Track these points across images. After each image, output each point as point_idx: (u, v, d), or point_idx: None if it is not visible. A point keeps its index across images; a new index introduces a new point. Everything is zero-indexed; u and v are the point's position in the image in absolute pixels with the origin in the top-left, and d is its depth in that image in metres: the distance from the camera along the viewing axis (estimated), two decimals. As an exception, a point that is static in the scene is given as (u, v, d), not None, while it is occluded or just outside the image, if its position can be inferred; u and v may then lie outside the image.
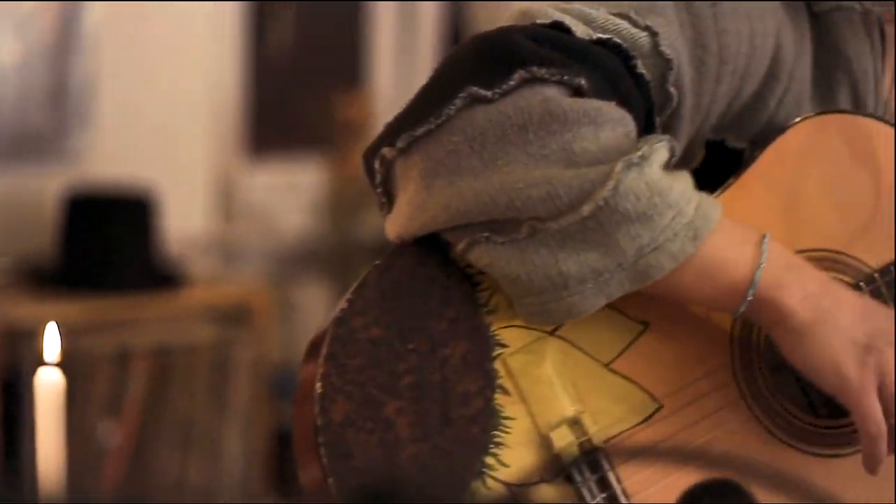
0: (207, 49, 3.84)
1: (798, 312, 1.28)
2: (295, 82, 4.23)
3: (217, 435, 3.43)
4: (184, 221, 3.69)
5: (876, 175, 1.41)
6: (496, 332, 1.30)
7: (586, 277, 1.24)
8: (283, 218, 4.03)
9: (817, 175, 1.40)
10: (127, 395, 3.32)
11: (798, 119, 1.41)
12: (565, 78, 1.25)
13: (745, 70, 1.41)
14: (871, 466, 1.32)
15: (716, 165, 1.41)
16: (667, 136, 1.29)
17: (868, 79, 1.50)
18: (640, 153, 1.23)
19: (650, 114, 1.34)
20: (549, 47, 1.27)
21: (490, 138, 1.24)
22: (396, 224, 1.30)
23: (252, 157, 4.11)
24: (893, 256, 1.40)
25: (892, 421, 1.30)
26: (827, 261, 1.39)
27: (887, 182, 1.41)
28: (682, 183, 1.26)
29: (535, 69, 1.24)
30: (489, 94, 1.24)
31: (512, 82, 1.24)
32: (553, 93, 1.24)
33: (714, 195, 1.35)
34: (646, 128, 1.33)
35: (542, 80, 1.25)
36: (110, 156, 3.58)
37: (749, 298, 1.28)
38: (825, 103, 1.49)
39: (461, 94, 1.24)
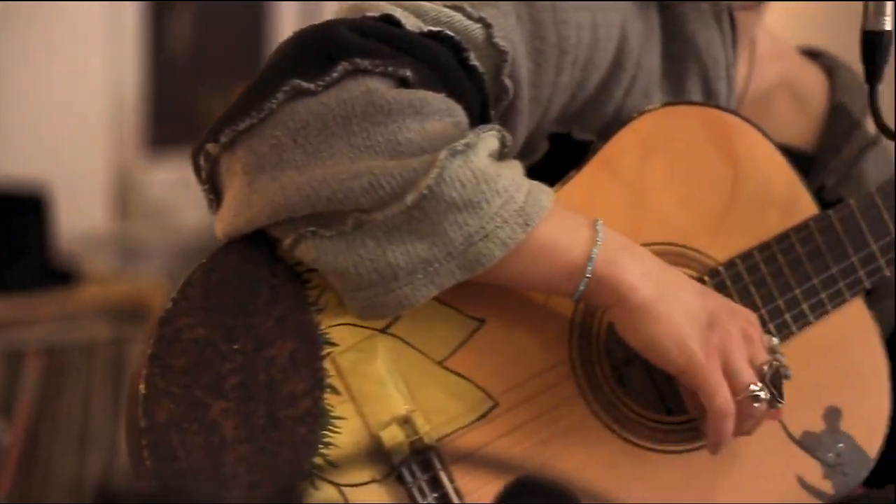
0: (105, 45, 3.79)
1: (639, 289, 1.26)
2: (195, 79, 4.18)
3: (113, 433, 3.38)
4: (81, 219, 3.64)
5: (722, 167, 1.39)
6: (325, 331, 1.27)
7: (416, 268, 1.21)
8: (182, 214, 3.97)
9: (663, 167, 1.38)
10: (20, 394, 3.27)
11: (643, 110, 1.39)
12: (390, 69, 1.22)
13: (588, 60, 1.39)
14: (716, 445, 1.30)
15: (563, 158, 1.39)
16: (496, 125, 1.26)
17: (718, 67, 1.48)
18: (465, 141, 1.20)
19: (485, 106, 1.31)
20: (375, 39, 1.24)
21: (313, 131, 1.20)
22: (223, 221, 1.27)
23: (151, 153, 4.04)
24: (739, 250, 1.39)
25: (739, 398, 1.28)
26: (671, 254, 1.37)
27: (734, 173, 1.40)
28: (512, 170, 1.23)
29: (358, 60, 1.21)
30: (312, 86, 1.21)
31: (335, 74, 1.21)
32: (377, 84, 1.21)
33: (555, 187, 1.33)
34: (481, 120, 1.30)
35: (366, 72, 1.22)
36: (4, 154, 3.52)
37: (587, 276, 1.25)
38: (675, 93, 1.47)
39: (284, 88, 1.21)
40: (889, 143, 1.70)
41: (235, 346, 1.25)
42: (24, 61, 3.59)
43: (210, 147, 1.25)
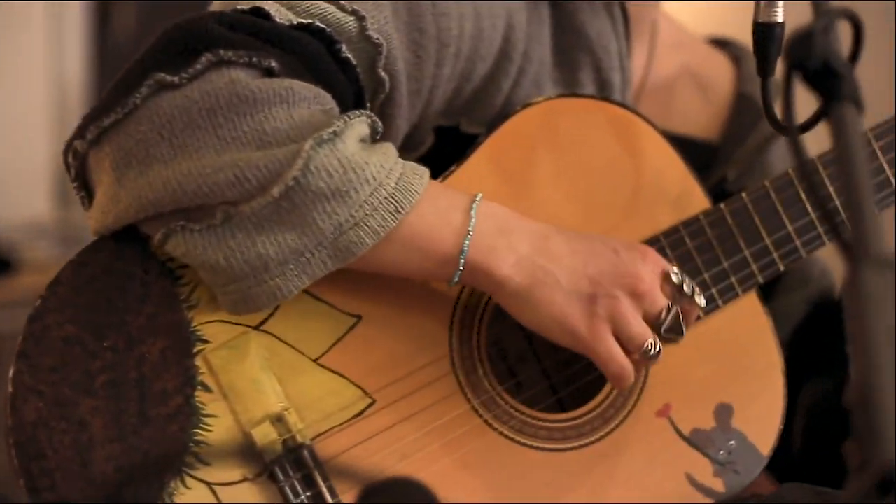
0: (49, 36, 3.75)
1: (512, 278, 1.24)
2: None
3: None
4: (22, 207, 3.60)
5: (610, 159, 1.37)
6: (197, 328, 1.24)
7: (287, 259, 1.18)
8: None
9: (547, 160, 1.36)
10: (-43, 385, 3.23)
11: (527, 104, 1.37)
12: (254, 60, 1.20)
13: (473, 52, 1.37)
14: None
15: (451, 151, 1.37)
16: (366, 111, 1.24)
17: (611, 58, 1.46)
18: (331, 129, 1.17)
19: (360, 97, 1.29)
20: (242, 32, 1.21)
21: (179, 124, 1.18)
22: (93, 219, 1.24)
23: (94, 142, 4.00)
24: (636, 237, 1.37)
25: (636, 356, 1.28)
26: None
27: (622, 166, 1.37)
28: (381, 156, 1.20)
29: (221, 52, 1.19)
30: (176, 79, 1.18)
31: (199, 66, 1.18)
32: (241, 75, 1.19)
33: (437, 180, 1.31)
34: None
35: (230, 63, 1.19)
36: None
37: (460, 269, 1.23)
38: (568, 84, 1.45)
39: (147, 82, 1.19)
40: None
41: (105, 344, 1.22)
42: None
43: (77, 144, 1.22)
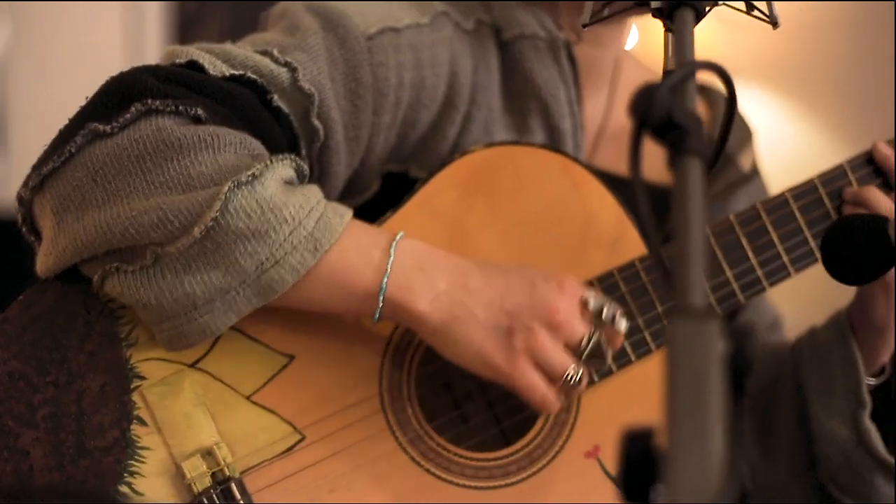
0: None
1: (431, 314, 1.27)
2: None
3: None
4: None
5: (545, 205, 1.39)
6: (135, 365, 1.30)
7: (213, 297, 1.23)
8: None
9: (483, 206, 1.39)
10: None
11: (464, 151, 1.40)
12: (181, 108, 1.25)
13: (415, 100, 1.41)
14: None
15: (399, 196, 1.40)
16: (290, 155, 1.28)
17: (559, 104, 1.48)
18: (250, 172, 1.22)
19: (295, 145, 1.34)
20: (174, 83, 1.27)
21: (111, 171, 1.24)
22: (40, 261, 1.31)
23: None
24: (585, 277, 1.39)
25: (559, 383, 1.29)
26: None
27: (557, 212, 1.39)
28: (301, 198, 1.24)
29: (150, 101, 1.24)
30: (108, 128, 1.24)
31: (128, 115, 1.24)
32: (168, 122, 1.24)
33: (374, 224, 1.36)
34: None
35: (158, 112, 1.25)
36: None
37: (380, 306, 1.27)
38: (518, 130, 1.48)
39: (83, 132, 1.25)
40: (763, 178, 1.69)
41: (48, 379, 1.29)
42: (40, 91, 3.68)
43: (22, 191, 1.29)
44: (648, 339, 1.39)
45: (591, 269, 1.40)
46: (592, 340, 1.29)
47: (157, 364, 1.31)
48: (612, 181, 1.53)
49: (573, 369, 1.29)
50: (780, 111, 4.51)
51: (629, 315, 1.38)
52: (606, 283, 1.39)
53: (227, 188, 1.21)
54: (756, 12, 1.27)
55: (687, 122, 1.00)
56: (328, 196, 1.37)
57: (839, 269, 1.32)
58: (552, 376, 1.29)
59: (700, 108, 1.67)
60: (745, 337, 1.60)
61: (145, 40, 4.05)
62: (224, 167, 1.24)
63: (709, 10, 1.18)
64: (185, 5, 4.23)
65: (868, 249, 1.30)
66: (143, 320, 1.29)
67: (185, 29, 4.18)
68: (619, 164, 1.55)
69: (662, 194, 1.49)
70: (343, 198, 1.42)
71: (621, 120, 1.59)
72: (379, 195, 1.43)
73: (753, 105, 4.54)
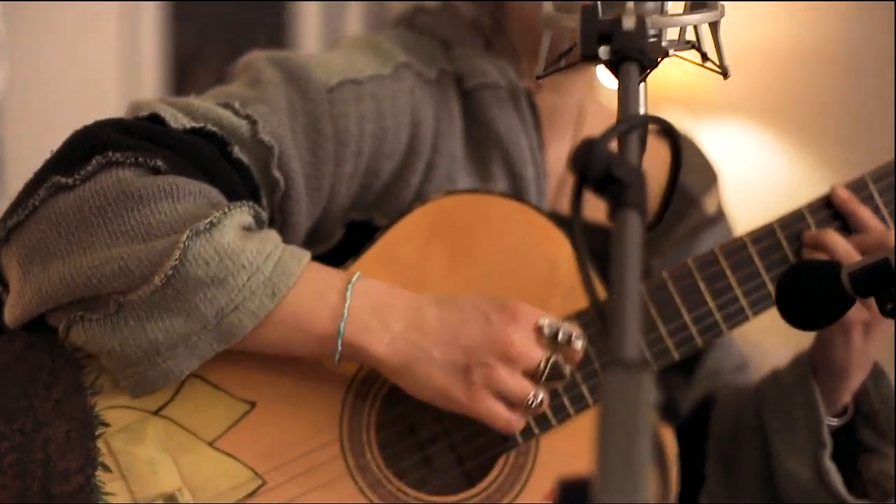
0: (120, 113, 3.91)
1: (388, 357, 1.30)
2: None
3: None
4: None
5: (503, 253, 1.41)
6: (100, 412, 1.32)
7: (175, 342, 1.26)
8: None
9: (441, 255, 1.41)
10: None
11: (424, 199, 1.42)
12: (140, 160, 1.28)
13: (376, 150, 1.43)
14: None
15: (363, 245, 1.43)
16: (248, 202, 1.31)
17: (521, 151, 1.51)
18: (208, 220, 1.25)
19: (256, 196, 1.36)
20: (136, 136, 1.30)
21: (74, 222, 1.26)
22: (7, 311, 1.34)
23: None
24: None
25: (522, 410, 1.32)
26: None
27: (515, 259, 1.41)
28: (259, 243, 1.27)
29: (111, 154, 1.27)
30: (70, 180, 1.27)
31: (90, 168, 1.27)
32: (128, 174, 1.27)
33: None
34: None
35: (119, 163, 1.28)
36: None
37: (339, 349, 1.29)
38: (481, 178, 1.50)
39: (46, 185, 1.28)
40: (729, 221, 1.71)
41: (15, 427, 1.31)
42: (36, 132, 3.71)
43: None
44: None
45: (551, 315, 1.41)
46: (550, 364, 1.31)
47: (121, 411, 1.33)
48: (569, 224, 1.55)
49: (533, 395, 1.32)
50: (769, 144, 4.53)
51: (587, 359, 1.40)
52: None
53: (185, 236, 1.24)
54: (708, 63, 1.29)
55: (626, 175, 1.02)
56: (289, 244, 1.39)
57: (793, 315, 1.33)
58: (514, 403, 1.32)
59: (664, 151, 1.69)
60: (675, 390, 1.63)
61: (142, 83, 4.09)
62: (183, 216, 1.26)
63: (659, 62, 1.20)
64: (181, 45, 4.27)
65: (821, 295, 1.32)
66: (108, 367, 1.31)
67: (181, 70, 4.23)
68: (583, 208, 1.57)
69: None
70: (306, 246, 1.43)
71: None
72: (342, 243, 1.46)
73: (742, 138, 4.56)
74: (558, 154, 1.57)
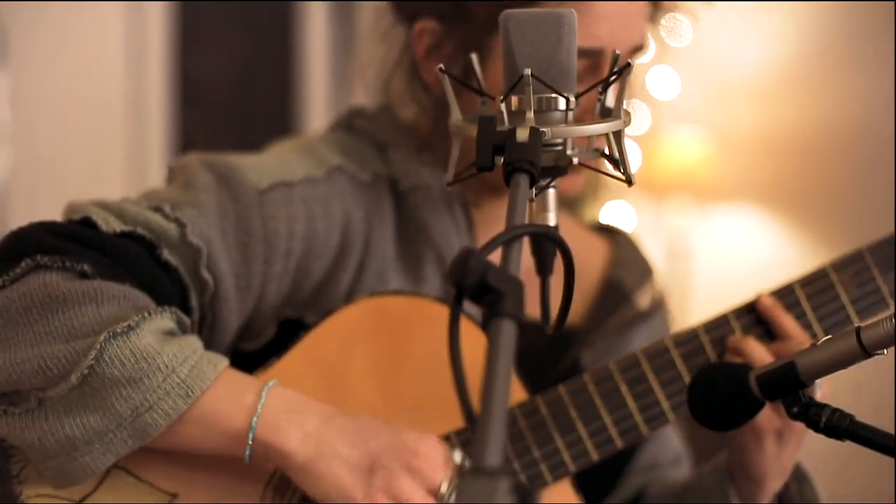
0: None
1: (298, 452, 1.32)
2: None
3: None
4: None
5: (422, 352, 1.44)
6: (26, 501, 1.35)
7: (92, 438, 1.30)
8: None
9: (364, 355, 1.43)
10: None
11: (349, 301, 1.46)
12: (68, 264, 1.32)
13: (307, 250, 1.47)
14: None
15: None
16: (170, 308, 1.35)
17: (454, 252, 1.53)
18: (126, 323, 1.29)
19: (185, 295, 1.40)
20: (66, 239, 1.35)
21: (0, 321, 1.31)
22: None
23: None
24: (447, 428, 1.44)
25: None
26: None
27: (434, 358, 1.44)
28: (177, 347, 1.31)
29: (39, 257, 1.32)
30: (0, 282, 1.32)
31: (18, 270, 1.32)
32: (54, 277, 1.32)
33: (256, 373, 1.41)
34: (182, 308, 1.40)
35: (46, 267, 1.32)
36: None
37: (250, 444, 1.32)
38: (412, 278, 1.53)
39: None
40: (664, 316, 1.73)
41: None
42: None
43: None
44: (545, 471, 1.43)
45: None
46: (453, 487, 1.33)
47: (46, 500, 1.36)
48: None
49: None
50: (775, 229, 4.54)
51: (525, 449, 1.42)
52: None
53: (102, 338, 1.29)
54: (612, 170, 1.32)
55: (502, 285, 1.04)
56: (220, 341, 1.44)
57: (704, 416, 1.35)
58: None
59: (602, 247, 1.72)
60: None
61: (149, 165, 4.15)
62: (106, 319, 1.31)
63: (553, 179, 1.23)
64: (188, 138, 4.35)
65: (730, 397, 1.33)
66: (31, 459, 1.34)
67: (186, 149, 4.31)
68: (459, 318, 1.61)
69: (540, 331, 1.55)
70: (239, 342, 1.48)
71: (524, 265, 1.63)
72: (274, 340, 1.49)
73: (748, 223, 4.58)
74: (495, 256, 1.60)
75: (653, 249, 2.63)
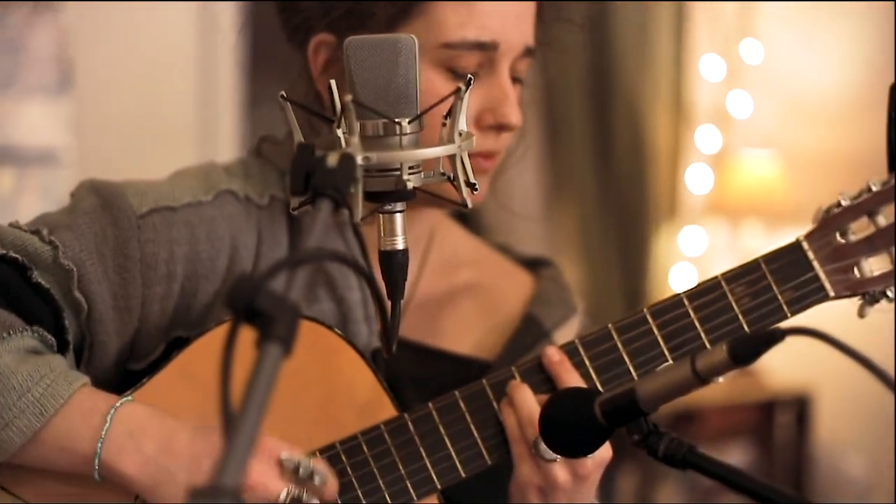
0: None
1: (138, 478, 1.35)
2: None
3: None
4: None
5: (301, 370, 1.43)
6: None
7: None
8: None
9: (239, 369, 1.47)
10: None
11: (223, 319, 1.47)
12: None
13: (192, 272, 1.49)
14: None
15: None
16: (33, 328, 1.40)
17: (345, 276, 1.55)
18: None
19: (58, 316, 1.44)
20: None
21: None
22: None
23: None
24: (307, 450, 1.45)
25: None
26: None
27: (313, 376, 1.46)
28: (33, 367, 1.36)
29: None
30: None
31: None
32: None
33: (130, 391, 1.44)
34: (57, 328, 1.43)
35: None
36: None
37: (97, 468, 1.36)
38: (304, 300, 1.56)
39: None
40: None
41: None
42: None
43: None
44: (388, 497, 1.45)
45: (340, 432, 1.45)
46: (289, 497, 1.35)
47: None
48: (412, 349, 1.60)
49: None
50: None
51: (370, 476, 1.44)
52: (348, 445, 1.44)
53: None
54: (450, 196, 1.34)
55: (273, 310, 1.07)
56: (102, 359, 1.48)
57: (553, 441, 1.36)
58: None
59: (525, 283, 1.72)
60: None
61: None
62: None
63: (376, 208, 1.27)
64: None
65: (575, 422, 1.33)
66: None
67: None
68: (424, 334, 1.62)
69: (462, 364, 1.57)
70: (128, 362, 1.52)
71: (429, 293, 1.66)
72: (161, 359, 1.51)
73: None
74: (410, 277, 1.63)
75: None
